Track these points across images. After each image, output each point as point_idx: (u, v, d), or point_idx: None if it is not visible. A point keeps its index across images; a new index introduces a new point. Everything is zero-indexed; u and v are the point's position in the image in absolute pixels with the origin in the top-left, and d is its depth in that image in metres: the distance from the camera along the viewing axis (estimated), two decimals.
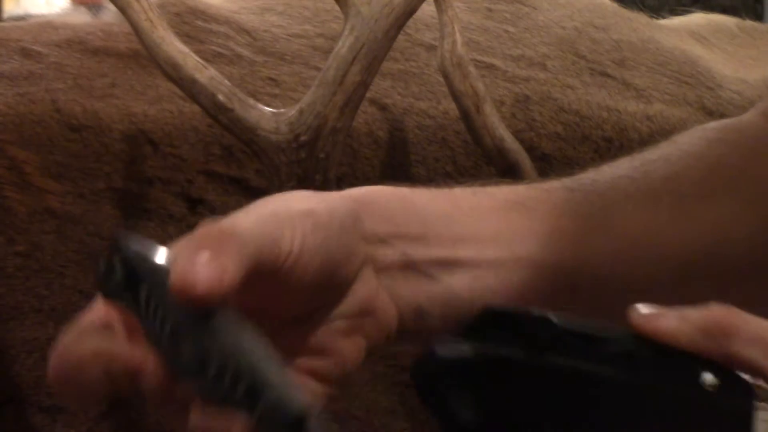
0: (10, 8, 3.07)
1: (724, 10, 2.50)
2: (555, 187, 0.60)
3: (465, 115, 1.41)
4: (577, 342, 0.46)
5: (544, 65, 1.72)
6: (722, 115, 1.76)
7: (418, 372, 0.49)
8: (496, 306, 0.50)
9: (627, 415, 0.46)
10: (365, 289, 0.53)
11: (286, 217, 0.49)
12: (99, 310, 0.48)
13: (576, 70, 1.74)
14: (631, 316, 0.47)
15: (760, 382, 0.46)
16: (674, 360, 0.46)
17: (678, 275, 0.61)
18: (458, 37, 1.42)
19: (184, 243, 0.46)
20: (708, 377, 0.45)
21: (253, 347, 0.44)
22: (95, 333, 0.47)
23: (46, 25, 1.61)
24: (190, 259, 0.44)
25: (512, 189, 0.60)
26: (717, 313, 0.46)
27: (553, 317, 0.47)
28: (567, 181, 0.61)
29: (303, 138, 1.24)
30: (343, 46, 1.25)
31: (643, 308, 0.47)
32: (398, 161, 1.57)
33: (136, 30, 1.29)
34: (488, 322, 0.48)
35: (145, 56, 1.42)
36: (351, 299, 0.52)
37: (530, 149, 1.54)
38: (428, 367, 0.48)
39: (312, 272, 0.49)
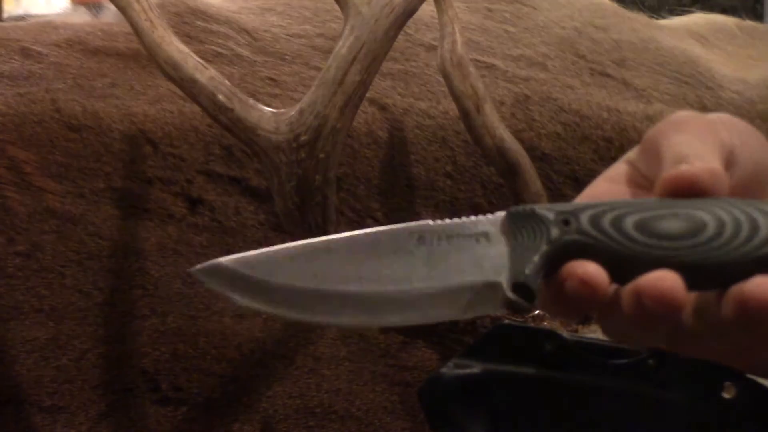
0: (10, 8, 3.07)
1: (724, 10, 2.50)
2: None
3: (465, 115, 1.41)
4: (590, 356, 0.45)
5: (544, 65, 1.72)
6: None
7: (426, 396, 0.47)
8: (505, 324, 0.48)
9: (644, 427, 0.45)
10: None
11: (717, 119, 0.56)
12: None
13: (576, 70, 1.73)
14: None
15: None
16: (692, 371, 0.44)
17: None
18: (458, 37, 1.42)
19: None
20: (727, 386, 0.44)
21: None
22: None
23: (46, 25, 1.61)
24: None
25: None
26: None
27: (562, 333, 0.46)
28: None
29: (303, 138, 1.24)
30: (343, 46, 1.25)
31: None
32: (398, 161, 1.57)
33: (136, 30, 1.29)
34: (497, 341, 0.47)
35: (145, 56, 1.42)
36: None
37: (530, 149, 1.54)
38: (436, 390, 0.47)
39: (742, 168, 0.54)
